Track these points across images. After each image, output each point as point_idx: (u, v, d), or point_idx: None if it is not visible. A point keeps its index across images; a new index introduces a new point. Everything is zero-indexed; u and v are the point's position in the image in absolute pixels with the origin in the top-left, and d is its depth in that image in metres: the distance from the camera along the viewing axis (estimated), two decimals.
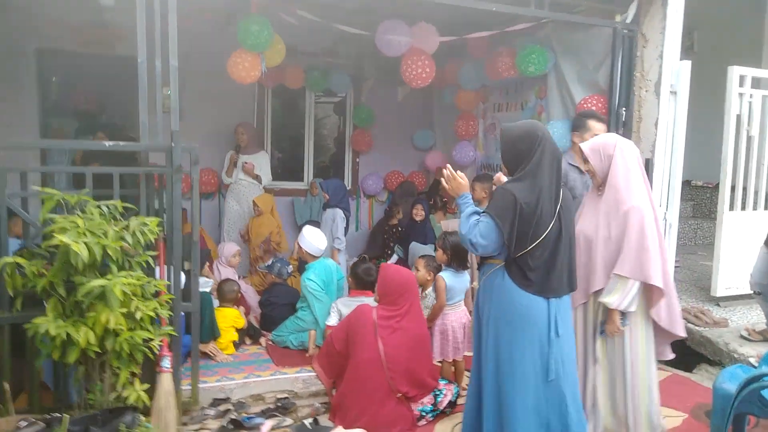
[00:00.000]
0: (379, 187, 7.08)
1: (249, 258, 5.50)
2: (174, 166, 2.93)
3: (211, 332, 3.83)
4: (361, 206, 7.24)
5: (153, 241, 2.74)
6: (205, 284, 4.22)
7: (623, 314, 2.72)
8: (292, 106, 7.16)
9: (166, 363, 2.91)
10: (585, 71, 4.64)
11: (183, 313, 3.25)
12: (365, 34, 4.68)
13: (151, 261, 2.80)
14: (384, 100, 6.80)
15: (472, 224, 2.45)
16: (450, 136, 6.62)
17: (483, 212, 2.48)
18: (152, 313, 2.66)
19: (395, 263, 5.88)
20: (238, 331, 4.10)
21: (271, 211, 5.51)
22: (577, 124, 3.48)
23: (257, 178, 5.71)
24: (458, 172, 2.68)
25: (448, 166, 2.71)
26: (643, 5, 4.19)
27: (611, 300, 2.68)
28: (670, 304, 2.85)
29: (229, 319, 4.00)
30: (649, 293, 2.77)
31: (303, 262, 4.46)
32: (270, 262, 4.71)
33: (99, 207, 2.68)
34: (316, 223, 5.30)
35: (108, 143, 2.96)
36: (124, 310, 2.50)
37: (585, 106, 4.45)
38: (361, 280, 3.79)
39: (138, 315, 2.59)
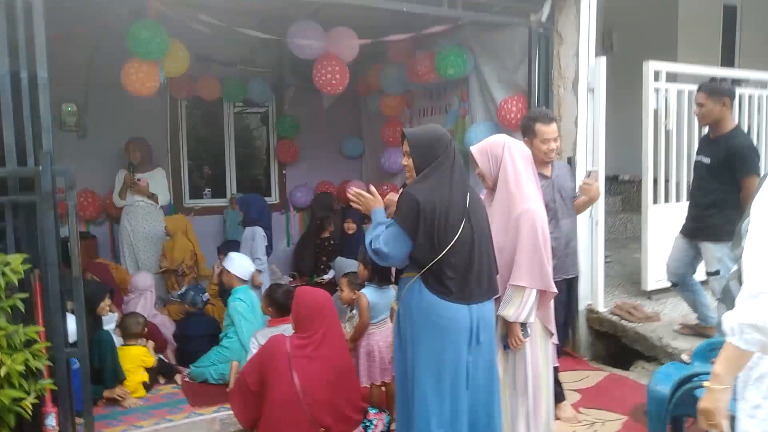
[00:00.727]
0: (308, 199, 6.79)
1: (165, 285, 5.07)
2: (43, 193, 2.54)
3: (114, 375, 3.42)
4: (292, 220, 6.92)
5: (17, 282, 2.35)
6: (108, 321, 3.81)
7: (523, 325, 2.57)
8: (213, 119, 6.77)
9: (51, 421, 2.56)
10: (504, 72, 4.57)
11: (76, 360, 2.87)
12: (278, 39, 4.44)
13: (20, 305, 2.41)
14: (309, 108, 6.51)
15: (377, 233, 2.34)
16: (378, 143, 6.45)
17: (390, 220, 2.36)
18: (21, 367, 2.28)
19: (331, 279, 5.62)
20: (149, 370, 3.69)
21: (186, 233, 5.11)
22: (524, 129, 3.17)
23: (153, 197, 5.23)
24: (370, 188, 2.56)
25: (352, 189, 2.55)
26: (556, 3, 4.13)
27: (509, 313, 2.53)
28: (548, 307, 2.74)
29: (136, 359, 3.59)
30: (541, 297, 2.64)
31: (225, 287, 4.13)
32: (183, 290, 4.32)
33: None
34: (237, 243, 4.95)
35: None
36: None
37: (506, 107, 4.36)
38: (281, 306, 3.42)
39: (2, 371, 2.22)
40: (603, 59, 4.10)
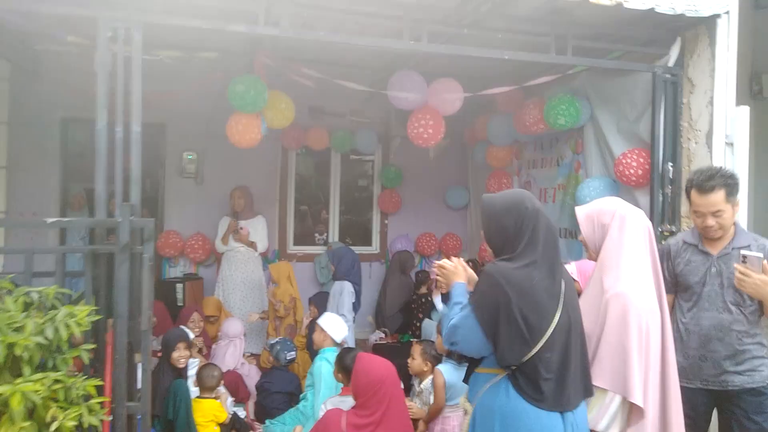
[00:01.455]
0: (410, 251, 6.56)
1: (267, 329, 5.10)
2: (120, 244, 2.58)
3: (187, 429, 3.36)
4: None
5: (79, 334, 2.35)
6: (190, 366, 3.83)
7: None
8: (321, 168, 6.90)
9: None
10: (624, 122, 4.06)
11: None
12: (382, 92, 4.37)
13: (84, 356, 2.41)
14: (414, 158, 6.40)
15: (451, 316, 2.03)
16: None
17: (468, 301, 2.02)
18: (73, 423, 2.25)
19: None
20: (222, 425, 3.60)
21: (288, 278, 5.11)
22: (686, 193, 2.66)
23: (252, 244, 5.34)
24: (452, 258, 2.28)
25: (436, 262, 2.28)
26: (687, 46, 3.59)
27: (588, 418, 2.04)
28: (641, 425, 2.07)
29: (208, 413, 3.51)
30: (629, 410, 2.08)
31: (313, 344, 3.98)
32: (274, 340, 4.26)
33: (27, 294, 2.36)
34: (325, 294, 4.83)
35: (49, 220, 2.66)
36: (26, 423, 2.10)
37: (624, 161, 3.84)
38: (351, 372, 3.18)
39: (53, 426, 2.19)
40: (746, 109, 3.45)
